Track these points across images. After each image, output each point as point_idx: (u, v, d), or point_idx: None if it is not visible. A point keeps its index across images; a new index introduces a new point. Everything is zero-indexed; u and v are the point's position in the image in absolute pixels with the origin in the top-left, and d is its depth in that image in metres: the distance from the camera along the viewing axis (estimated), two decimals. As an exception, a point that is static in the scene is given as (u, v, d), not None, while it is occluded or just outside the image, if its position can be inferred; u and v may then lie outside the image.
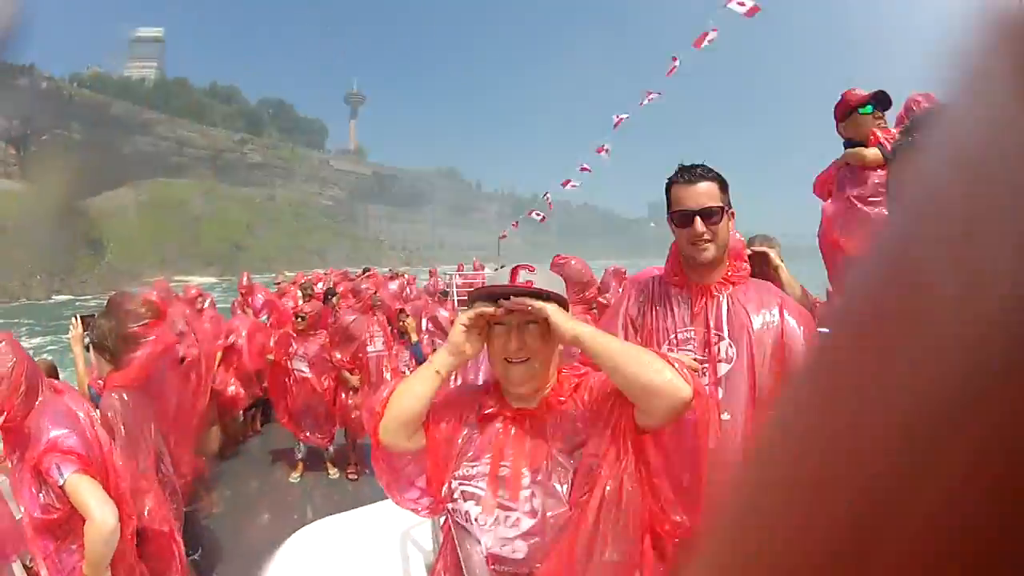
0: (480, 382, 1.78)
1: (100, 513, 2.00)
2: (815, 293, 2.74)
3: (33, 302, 49.34)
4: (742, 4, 8.15)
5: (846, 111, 2.88)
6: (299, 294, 7.52)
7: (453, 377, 1.58)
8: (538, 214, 15.14)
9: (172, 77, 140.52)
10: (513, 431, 1.41)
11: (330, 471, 5.72)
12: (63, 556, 2.11)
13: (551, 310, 1.33)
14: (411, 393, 1.43)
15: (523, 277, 1.38)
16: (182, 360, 4.74)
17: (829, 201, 3.01)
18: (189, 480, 3.31)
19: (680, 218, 1.80)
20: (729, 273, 1.86)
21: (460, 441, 1.45)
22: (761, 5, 8.12)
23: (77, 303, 45.68)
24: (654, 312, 1.89)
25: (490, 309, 1.38)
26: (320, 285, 9.24)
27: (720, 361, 1.76)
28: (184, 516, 2.97)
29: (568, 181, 11.84)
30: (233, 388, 5.97)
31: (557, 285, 1.40)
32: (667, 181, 1.85)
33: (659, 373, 1.24)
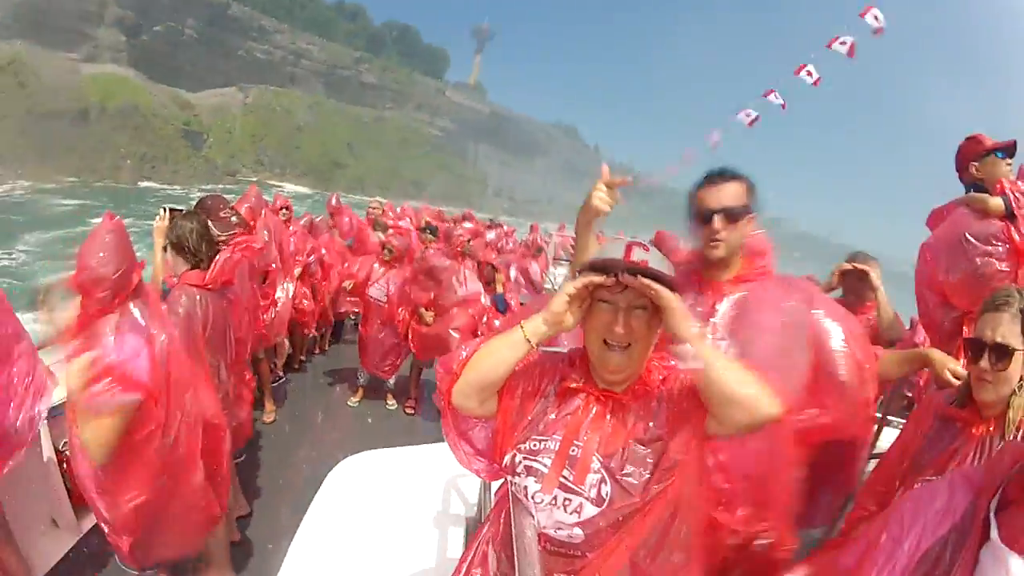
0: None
1: (89, 445, 2.14)
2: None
3: (121, 184, 52.37)
4: None
5: (981, 152, 2.97)
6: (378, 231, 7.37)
7: None
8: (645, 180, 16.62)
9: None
10: (593, 411, 1.39)
11: (388, 402, 6.08)
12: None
13: (675, 302, 1.27)
14: (495, 358, 1.42)
15: (638, 255, 1.31)
16: (264, 278, 5.03)
17: (932, 238, 3.13)
18: (249, 388, 3.58)
19: (700, 217, 1.87)
20: (742, 272, 1.94)
21: (533, 413, 1.43)
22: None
23: (163, 192, 48.87)
24: None
25: (601, 279, 1.31)
26: (406, 221, 9.26)
27: None
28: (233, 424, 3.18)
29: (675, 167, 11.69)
30: (307, 303, 6.21)
31: (669, 269, 1.34)
32: (692, 188, 1.91)
33: (745, 386, 1.25)
